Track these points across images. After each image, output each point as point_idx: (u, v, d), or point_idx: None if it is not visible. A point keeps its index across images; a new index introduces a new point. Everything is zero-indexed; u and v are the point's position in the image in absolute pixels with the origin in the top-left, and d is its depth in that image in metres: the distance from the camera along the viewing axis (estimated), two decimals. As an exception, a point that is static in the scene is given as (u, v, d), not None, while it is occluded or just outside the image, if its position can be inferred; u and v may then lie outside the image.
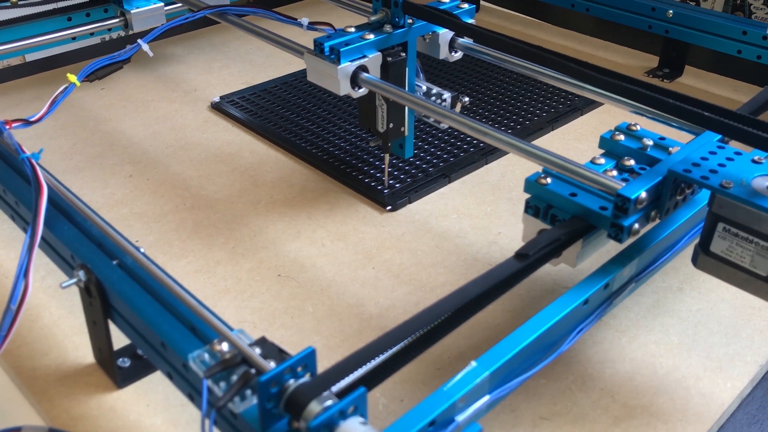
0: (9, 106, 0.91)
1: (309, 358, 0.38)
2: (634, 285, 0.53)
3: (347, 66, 0.65)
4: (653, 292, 0.62)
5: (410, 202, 0.74)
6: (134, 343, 0.49)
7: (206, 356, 0.41)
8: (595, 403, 0.52)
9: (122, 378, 0.53)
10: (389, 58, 0.67)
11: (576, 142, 0.84)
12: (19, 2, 1.31)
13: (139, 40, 0.73)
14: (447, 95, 0.70)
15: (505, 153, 0.81)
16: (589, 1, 1.02)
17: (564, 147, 0.83)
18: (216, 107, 0.91)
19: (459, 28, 0.67)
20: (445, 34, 0.71)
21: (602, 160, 0.54)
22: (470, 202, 0.74)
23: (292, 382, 0.38)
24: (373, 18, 0.69)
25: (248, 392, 0.39)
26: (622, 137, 0.55)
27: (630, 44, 1.09)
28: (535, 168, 0.77)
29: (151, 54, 0.74)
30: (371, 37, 0.66)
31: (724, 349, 0.57)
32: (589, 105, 0.91)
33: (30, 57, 1.12)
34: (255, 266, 0.65)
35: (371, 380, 0.38)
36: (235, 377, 0.39)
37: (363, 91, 0.66)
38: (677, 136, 0.56)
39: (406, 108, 0.71)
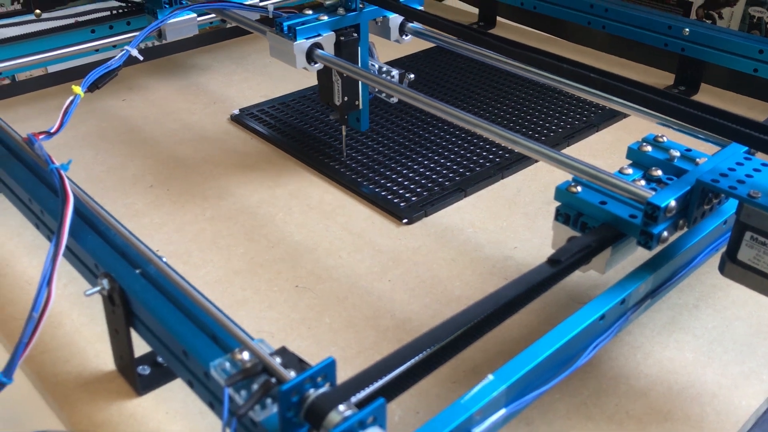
0: (33, 116, 0.93)
1: (329, 368, 0.39)
2: (650, 301, 0.53)
3: (303, 43, 0.72)
4: (668, 308, 0.63)
5: (426, 216, 0.74)
6: (156, 351, 0.50)
7: (227, 365, 0.42)
8: (610, 418, 0.52)
9: (142, 385, 0.53)
10: (342, 38, 0.75)
11: (592, 158, 0.84)
12: (43, 15, 1.33)
13: (126, 47, 0.74)
14: (395, 72, 0.78)
15: (521, 168, 0.82)
16: (606, 18, 1.03)
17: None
18: (236, 119, 0.92)
19: (405, 13, 0.76)
20: (395, 18, 0.79)
21: (630, 170, 0.55)
22: (486, 216, 0.74)
23: (312, 392, 0.38)
24: (328, 2, 0.77)
25: (269, 401, 0.39)
26: (649, 148, 0.57)
27: (646, 61, 1.10)
28: (551, 181, 0.79)
29: (141, 58, 0.76)
30: (325, 18, 0.74)
31: (740, 367, 0.57)
32: (605, 121, 0.92)
33: (51, 68, 1.14)
34: (273, 277, 0.66)
35: (391, 391, 0.39)
36: (255, 386, 0.40)
37: (318, 66, 0.74)
38: (697, 147, 0.57)
39: (360, 83, 0.78)
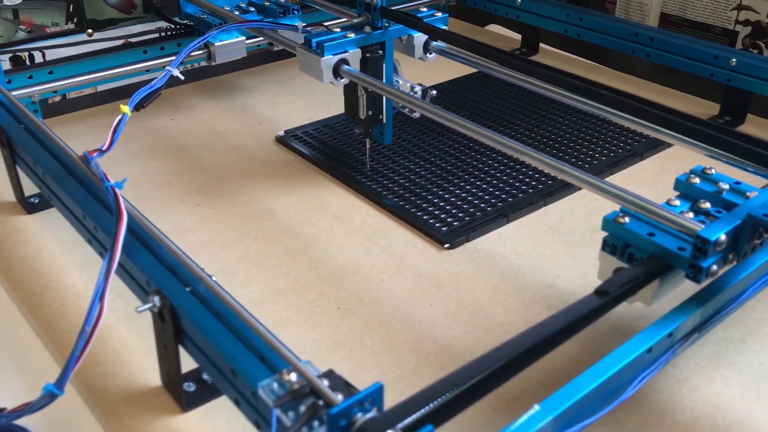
0: (84, 133, 0.96)
1: (377, 393, 0.39)
2: (697, 335, 0.53)
3: (330, 58, 0.76)
4: (714, 342, 0.62)
5: (468, 241, 0.74)
6: (203, 369, 0.51)
7: (275, 386, 0.42)
8: (655, 453, 0.52)
9: (187, 402, 0.54)
10: (368, 54, 0.79)
11: (635, 187, 0.83)
12: (95, 34, 1.37)
13: (168, 67, 0.77)
14: (418, 88, 0.81)
15: (564, 195, 0.82)
16: (650, 47, 1.02)
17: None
18: (281, 141, 0.94)
19: (429, 32, 0.80)
20: (419, 37, 0.83)
21: (677, 202, 0.55)
22: (528, 243, 0.74)
23: (360, 416, 0.39)
24: (355, 20, 0.81)
25: (316, 423, 0.40)
26: (697, 180, 0.56)
27: (690, 91, 1.09)
28: (594, 209, 0.79)
29: (182, 78, 0.78)
30: (352, 35, 0.78)
31: (789, 405, 0.56)
32: (649, 150, 0.91)
33: (100, 87, 1.17)
34: (315, 298, 0.67)
35: (438, 418, 0.39)
36: (303, 408, 0.41)
37: (344, 80, 0.78)
38: (743, 178, 0.56)
39: (384, 98, 0.82)
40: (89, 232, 0.63)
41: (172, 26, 0.99)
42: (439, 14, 0.84)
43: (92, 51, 0.93)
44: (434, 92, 0.82)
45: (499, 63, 0.75)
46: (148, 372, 0.58)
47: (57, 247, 0.73)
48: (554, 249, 0.73)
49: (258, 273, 0.70)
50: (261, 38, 0.96)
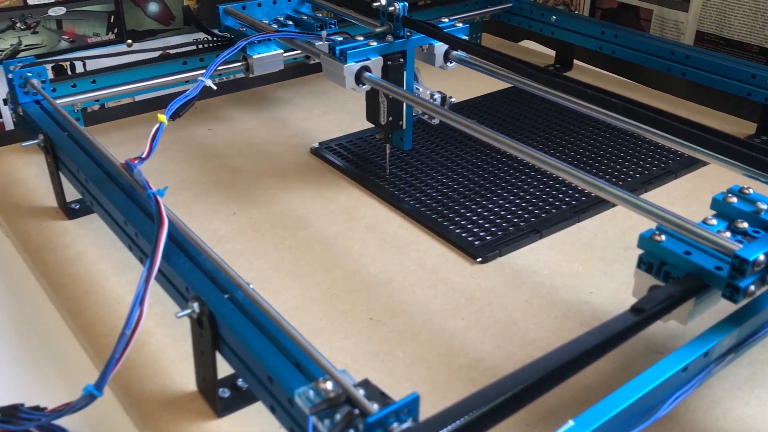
0: (124, 141, 0.98)
1: (413, 404, 0.40)
2: (733, 355, 0.52)
3: (352, 66, 0.79)
4: (749, 364, 0.61)
5: (501, 255, 0.75)
6: (240, 375, 0.51)
7: (311, 393, 0.43)
8: (688, 473, 0.51)
9: (222, 408, 0.55)
10: (389, 62, 0.81)
11: (670, 206, 0.82)
12: (134, 45, 1.40)
13: (201, 78, 0.79)
14: (437, 95, 0.84)
15: (598, 212, 0.82)
16: (686, 65, 1.02)
17: (657, 210, 0.82)
18: (315, 152, 0.95)
19: (450, 41, 0.82)
20: (440, 46, 0.85)
21: (714, 221, 0.55)
22: (561, 259, 0.74)
23: (396, 426, 0.39)
24: (378, 29, 0.83)
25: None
26: (734, 199, 0.56)
27: (726, 110, 1.08)
28: (628, 226, 0.79)
29: (214, 88, 0.80)
30: (374, 44, 0.80)
31: (826, 430, 0.55)
32: (684, 168, 0.90)
33: (138, 97, 1.19)
34: (348, 308, 0.67)
35: (473, 430, 0.39)
36: (338, 416, 0.41)
37: (366, 87, 0.80)
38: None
39: (404, 105, 0.84)
40: (130, 238, 0.64)
41: (211, 38, 1.01)
42: (460, 24, 0.86)
43: (133, 62, 0.95)
44: (453, 99, 0.85)
45: (519, 73, 0.77)
46: (183, 377, 0.59)
47: (96, 253, 0.74)
48: (588, 266, 0.73)
49: (291, 282, 0.71)
50: (298, 51, 0.97)
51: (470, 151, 0.95)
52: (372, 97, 0.84)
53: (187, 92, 0.76)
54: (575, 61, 1.25)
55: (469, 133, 0.72)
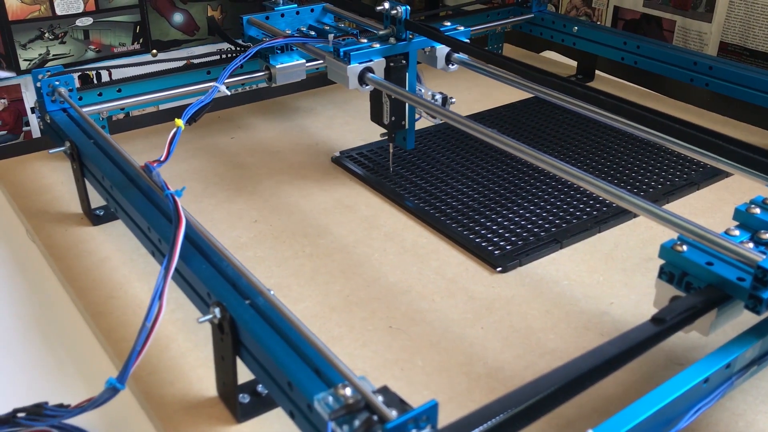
0: (148, 149, 0.99)
1: (431, 411, 0.40)
2: (756, 368, 0.52)
3: (356, 66, 0.81)
4: (773, 377, 0.60)
5: (521, 265, 0.75)
6: (260, 381, 0.52)
7: (330, 399, 0.43)
8: (710, 486, 0.51)
9: (242, 413, 0.55)
10: (392, 64, 0.84)
11: (692, 216, 0.82)
12: (159, 54, 1.42)
13: (215, 83, 0.80)
14: (438, 96, 0.87)
15: (618, 222, 0.81)
16: (710, 76, 1.02)
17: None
18: (336, 161, 0.95)
19: (451, 44, 0.84)
20: (441, 49, 0.88)
21: (737, 232, 0.54)
22: (582, 269, 0.74)
23: (414, 433, 0.39)
24: (381, 32, 0.86)
25: (370, 438, 0.41)
26: (758, 210, 0.56)
27: (750, 120, 1.07)
28: (649, 237, 0.78)
29: (228, 93, 0.82)
30: (377, 45, 0.83)
31: None
32: (706, 179, 0.90)
33: (162, 106, 1.21)
34: (367, 316, 0.67)
35: (492, 438, 0.39)
36: (357, 422, 0.41)
37: (369, 87, 0.83)
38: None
39: (407, 105, 0.87)
40: (153, 244, 0.65)
41: (235, 48, 1.02)
42: (461, 28, 0.88)
43: (158, 71, 0.96)
44: (453, 100, 0.88)
45: (522, 77, 0.79)
46: (204, 382, 0.59)
47: (120, 258, 0.75)
48: (608, 276, 0.73)
49: (311, 289, 0.71)
50: (320, 61, 0.98)
51: (491, 161, 0.95)
52: (375, 98, 0.87)
53: (202, 98, 0.78)
54: (597, 72, 1.25)
55: (490, 142, 0.72)
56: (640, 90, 1.21)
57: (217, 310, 0.52)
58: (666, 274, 0.53)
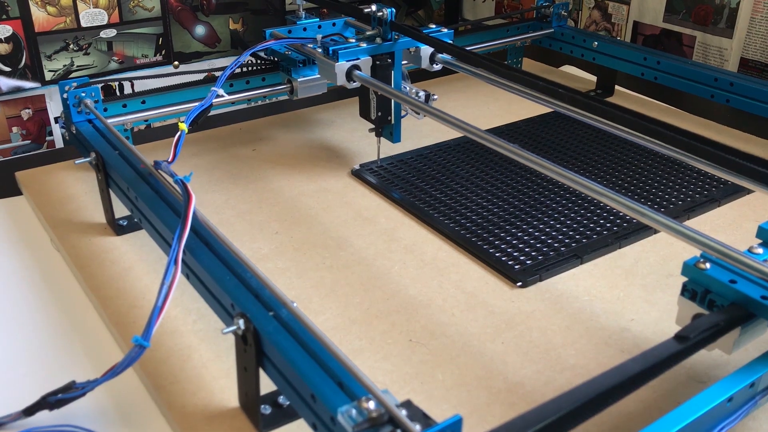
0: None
1: (456, 426, 0.40)
2: (780, 387, 0.51)
3: (343, 64, 0.88)
4: (796, 396, 0.60)
5: (541, 280, 0.75)
6: (282, 392, 0.52)
7: (354, 412, 0.43)
8: (732, 506, 0.50)
9: (264, 424, 0.56)
10: (377, 62, 0.89)
11: (713, 233, 0.82)
12: (180, 66, 1.44)
13: (213, 88, 0.84)
14: (422, 93, 0.93)
15: (639, 238, 0.81)
16: (731, 92, 1.01)
17: (700, 237, 0.82)
18: (356, 174, 0.96)
19: (434, 45, 0.89)
20: (426, 49, 0.94)
21: (760, 250, 0.55)
22: (602, 285, 0.74)
23: (438, 447, 0.39)
24: (368, 32, 0.92)
25: (393, 451, 0.41)
26: (781, 228, 0.56)
27: (771, 137, 1.07)
28: (670, 254, 0.78)
29: (225, 96, 0.87)
30: (364, 45, 0.89)
31: None
32: (727, 196, 0.90)
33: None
34: (387, 329, 0.68)
35: (515, 454, 0.39)
36: (380, 435, 0.42)
37: (356, 84, 0.89)
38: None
39: (392, 102, 0.92)
40: (169, 245, 0.65)
41: (256, 61, 1.03)
42: (444, 30, 0.94)
43: (181, 83, 0.98)
44: (436, 97, 0.93)
45: (510, 80, 0.83)
46: (226, 392, 0.60)
47: (143, 268, 0.76)
48: (629, 292, 0.73)
49: (332, 301, 0.71)
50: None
51: (511, 175, 0.95)
52: (363, 94, 0.93)
53: (202, 102, 0.83)
54: (617, 87, 1.25)
55: (511, 156, 0.73)
56: (660, 105, 1.21)
57: (241, 322, 0.53)
58: (689, 292, 0.53)
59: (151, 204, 0.69)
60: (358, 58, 0.88)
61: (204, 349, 0.65)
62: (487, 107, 1.18)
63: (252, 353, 0.53)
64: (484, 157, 1.00)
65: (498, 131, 1.09)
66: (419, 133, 1.08)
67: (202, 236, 0.64)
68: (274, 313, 0.54)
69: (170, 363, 0.63)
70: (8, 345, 0.68)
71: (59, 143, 1.32)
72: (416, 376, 0.62)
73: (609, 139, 1.05)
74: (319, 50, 0.92)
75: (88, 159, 0.79)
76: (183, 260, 0.64)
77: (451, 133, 1.05)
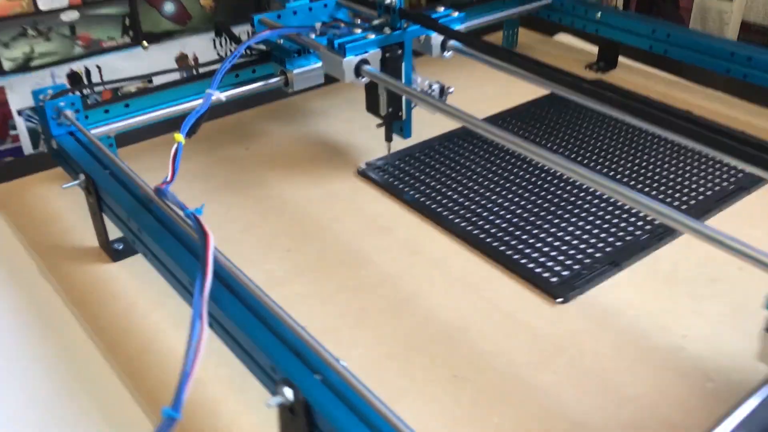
0: (159, 166, 0.89)
1: None
2: None
3: (351, 59, 0.79)
4: None
5: (581, 294, 0.70)
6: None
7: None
8: None
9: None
10: (387, 54, 0.81)
11: (750, 228, 0.78)
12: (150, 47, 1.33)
13: (208, 90, 0.75)
14: (436, 86, 0.85)
15: (674, 237, 0.77)
16: (749, 67, 0.97)
17: (738, 235, 0.78)
18: (363, 174, 0.89)
19: (445, 32, 0.83)
20: (436, 37, 0.85)
21: None
22: (645, 295, 0.70)
23: None
24: (375, 22, 0.83)
25: None
26: None
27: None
28: (710, 254, 0.73)
29: (223, 99, 0.77)
30: (372, 36, 0.80)
31: None
32: (755, 184, 0.86)
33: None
34: (428, 363, 0.62)
35: None
36: None
37: (365, 80, 0.80)
38: None
39: (403, 96, 0.85)
40: (184, 288, 0.59)
41: (246, 52, 0.94)
42: (456, 14, 0.87)
43: (167, 83, 0.89)
44: (452, 90, 0.85)
45: (517, 66, 0.77)
46: (263, 453, 0.54)
47: (148, 303, 0.69)
48: (675, 302, 0.69)
49: (362, 332, 0.66)
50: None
51: (527, 168, 0.89)
52: (372, 89, 0.85)
53: (197, 108, 0.73)
54: (620, 59, 1.19)
55: (533, 158, 0.67)
56: (666, 78, 1.15)
57: (287, 391, 0.47)
58: (775, 329, 0.49)
59: (158, 238, 0.62)
60: (366, 52, 0.79)
61: (232, 400, 0.59)
62: (484, 88, 1.11)
63: (300, 425, 0.47)
64: (494, 146, 0.94)
65: (504, 115, 1.03)
66: (421, 121, 1.00)
67: (222, 277, 0.57)
68: (321, 378, 0.48)
69: (197, 418, 0.57)
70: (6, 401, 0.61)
71: (24, 136, 1.22)
72: (470, 422, 0.57)
73: (612, 122, 0.99)
74: (323, 43, 0.83)
75: (76, 182, 0.71)
76: (192, 293, 0.58)
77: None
